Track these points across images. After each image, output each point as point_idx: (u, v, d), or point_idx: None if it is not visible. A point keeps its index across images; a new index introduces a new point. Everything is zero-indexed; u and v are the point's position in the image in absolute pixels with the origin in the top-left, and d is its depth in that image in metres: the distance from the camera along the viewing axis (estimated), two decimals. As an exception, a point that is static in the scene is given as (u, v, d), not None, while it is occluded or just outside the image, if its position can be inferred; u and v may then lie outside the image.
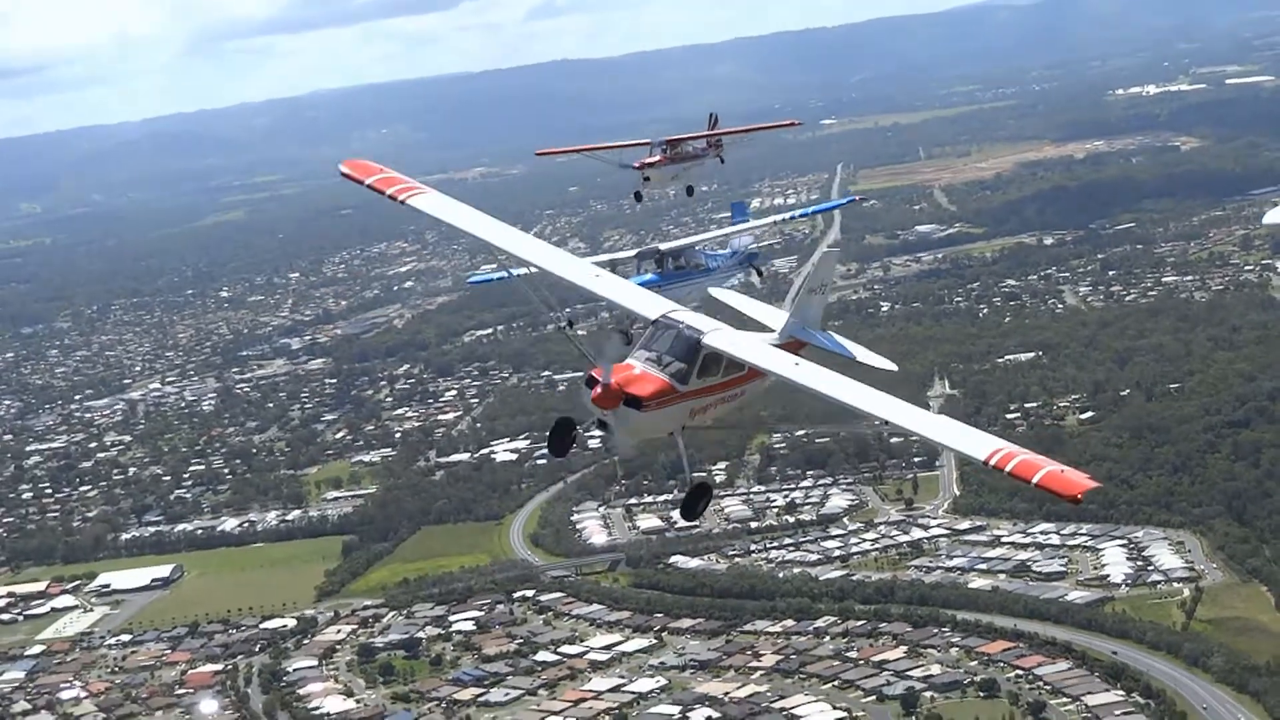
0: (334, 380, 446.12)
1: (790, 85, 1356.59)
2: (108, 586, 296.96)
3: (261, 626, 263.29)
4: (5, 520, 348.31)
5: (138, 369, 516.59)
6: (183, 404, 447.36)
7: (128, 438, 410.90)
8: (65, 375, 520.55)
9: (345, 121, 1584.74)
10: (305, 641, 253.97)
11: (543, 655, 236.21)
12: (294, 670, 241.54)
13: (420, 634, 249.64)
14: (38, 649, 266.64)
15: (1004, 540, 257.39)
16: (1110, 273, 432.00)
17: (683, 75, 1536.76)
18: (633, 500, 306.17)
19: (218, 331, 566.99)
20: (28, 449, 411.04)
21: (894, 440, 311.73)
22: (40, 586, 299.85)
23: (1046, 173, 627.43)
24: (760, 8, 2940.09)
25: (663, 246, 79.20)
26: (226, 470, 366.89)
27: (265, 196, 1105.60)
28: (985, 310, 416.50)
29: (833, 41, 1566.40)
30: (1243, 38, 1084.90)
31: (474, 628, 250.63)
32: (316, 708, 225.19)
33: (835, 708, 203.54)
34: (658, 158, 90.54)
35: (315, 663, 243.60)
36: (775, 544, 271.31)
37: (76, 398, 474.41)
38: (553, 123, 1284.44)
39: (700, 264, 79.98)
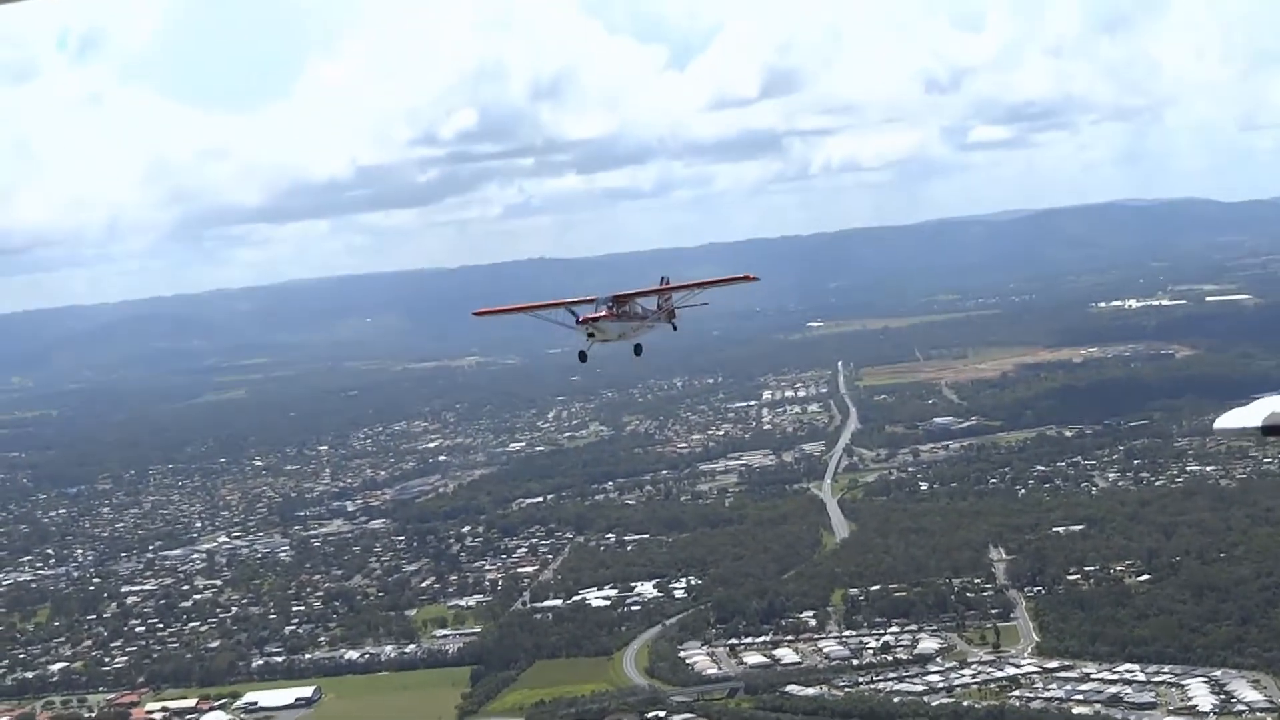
0: (401, 537, 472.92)
1: (766, 289, 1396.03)
2: (255, 704, 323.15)
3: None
4: (128, 650, 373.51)
5: (198, 525, 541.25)
6: (258, 555, 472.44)
7: (218, 582, 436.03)
8: (127, 529, 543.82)
9: (327, 309, 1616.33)
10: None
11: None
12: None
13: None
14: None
15: (1093, 677, 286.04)
16: (1135, 461, 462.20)
17: (659, 275, 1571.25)
18: (733, 640, 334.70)
19: (265, 495, 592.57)
20: (122, 590, 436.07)
21: (969, 595, 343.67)
22: (191, 703, 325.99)
23: (1049, 374, 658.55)
24: (731, 217, 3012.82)
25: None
26: (330, 610, 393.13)
27: (260, 378, 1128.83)
28: (1023, 490, 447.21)
29: (807, 250, 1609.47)
30: (1214, 260, 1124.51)
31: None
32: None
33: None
34: (603, 313, 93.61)
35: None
36: (880, 678, 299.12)
37: (150, 548, 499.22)
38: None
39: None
